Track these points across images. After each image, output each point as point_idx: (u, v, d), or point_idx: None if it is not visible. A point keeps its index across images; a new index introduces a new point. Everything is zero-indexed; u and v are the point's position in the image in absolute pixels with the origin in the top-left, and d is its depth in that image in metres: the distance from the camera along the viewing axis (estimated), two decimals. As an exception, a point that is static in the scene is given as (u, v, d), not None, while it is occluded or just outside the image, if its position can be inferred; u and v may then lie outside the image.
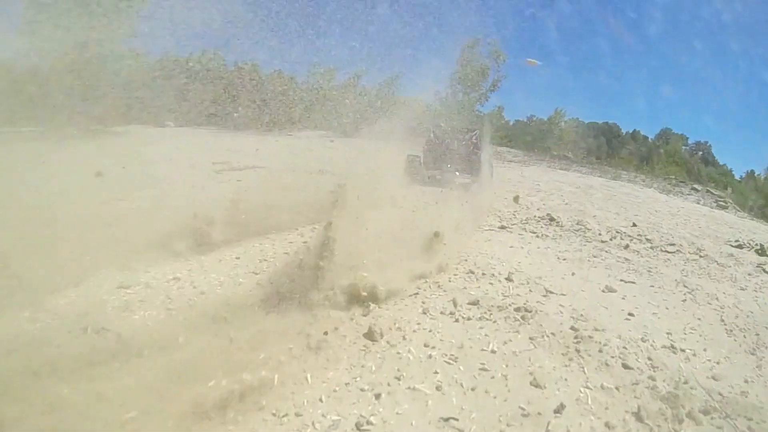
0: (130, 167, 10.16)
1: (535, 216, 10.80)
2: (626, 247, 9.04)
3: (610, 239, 9.49)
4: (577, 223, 10.47)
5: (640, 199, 16.95)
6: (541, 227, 9.89)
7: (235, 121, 48.42)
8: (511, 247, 8.02)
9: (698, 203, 19.75)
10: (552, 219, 10.61)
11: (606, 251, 8.45)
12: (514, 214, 10.78)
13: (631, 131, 73.37)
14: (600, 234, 9.84)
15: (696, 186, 24.16)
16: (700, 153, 47.96)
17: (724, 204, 20.11)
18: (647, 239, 9.82)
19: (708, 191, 22.90)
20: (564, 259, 7.57)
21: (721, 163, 44.05)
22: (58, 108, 26.92)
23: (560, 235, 9.32)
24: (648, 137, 59.50)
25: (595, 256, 8.00)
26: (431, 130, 12.70)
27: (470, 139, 11.85)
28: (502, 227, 9.53)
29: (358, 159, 11.27)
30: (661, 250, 8.96)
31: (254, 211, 7.31)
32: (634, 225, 11.18)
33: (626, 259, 7.99)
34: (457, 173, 11.90)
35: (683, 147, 47.69)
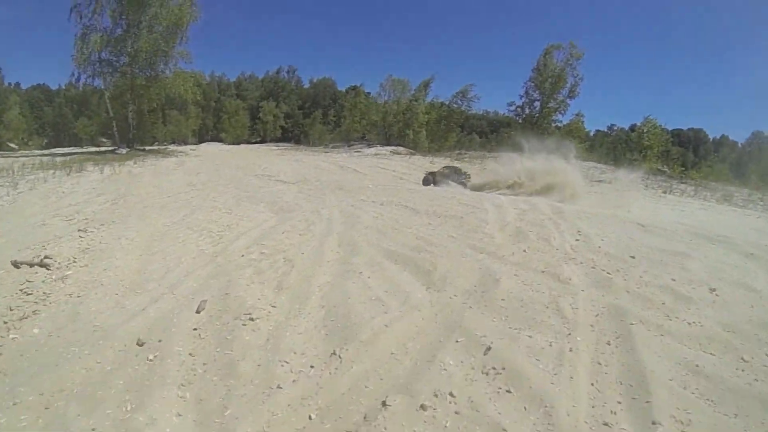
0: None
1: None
2: None
3: None
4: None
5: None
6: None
7: (308, 139, 45.43)
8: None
9: None
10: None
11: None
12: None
13: (719, 137, 61.07)
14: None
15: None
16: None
17: None
18: None
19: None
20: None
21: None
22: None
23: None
24: (738, 142, 49.02)
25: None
26: (445, 166, 15.03)
27: (460, 173, 13.68)
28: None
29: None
30: None
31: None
32: None
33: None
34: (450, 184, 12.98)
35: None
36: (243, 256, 4.94)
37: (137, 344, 3.38)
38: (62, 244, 6.16)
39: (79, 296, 4.46)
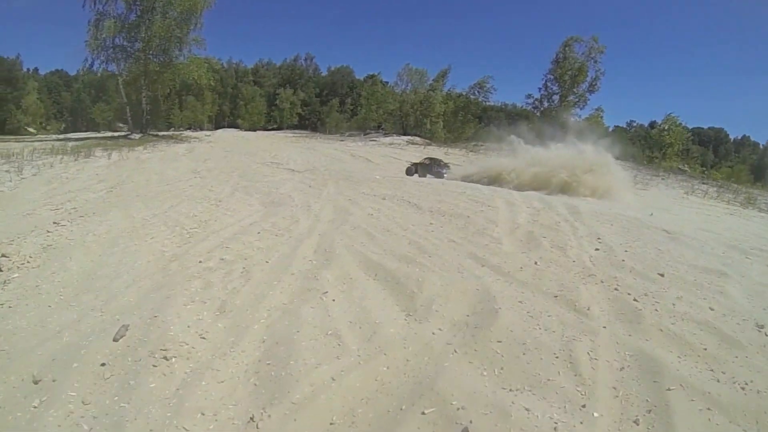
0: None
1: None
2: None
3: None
4: None
5: None
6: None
7: (324, 127, 44.56)
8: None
9: None
10: None
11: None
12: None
13: (740, 137, 58.56)
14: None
15: None
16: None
17: None
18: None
19: None
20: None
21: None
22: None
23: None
24: (759, 143, 46.99)
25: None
26: (426, 156, 15.93)
27: (441, 164, 13.91)
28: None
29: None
30: None
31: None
32: None
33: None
34: (429, 175, 13.14)
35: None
36: (200, 262, 4.14)
37: (33, 381, 2.62)
38: (28, 239, 5.52)
39: (10, 307, 3.74)
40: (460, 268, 4.07)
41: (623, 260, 4.75)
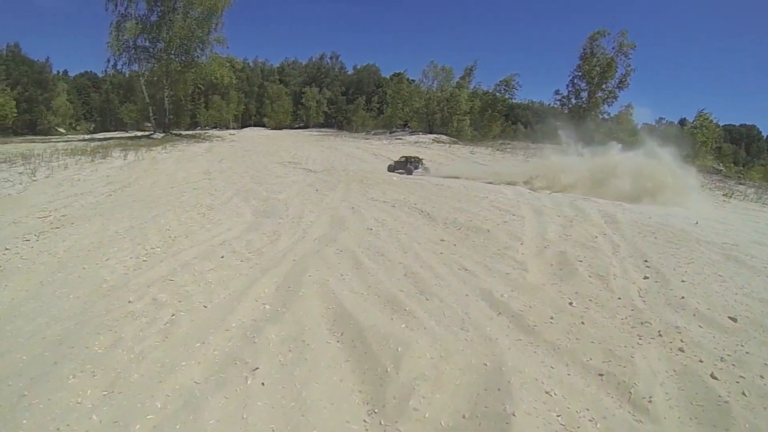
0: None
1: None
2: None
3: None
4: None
5: None
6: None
7: (350, 125, 43.67)
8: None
9: None
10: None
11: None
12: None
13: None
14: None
15: None
16: None
17: None
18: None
19: None
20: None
21: None
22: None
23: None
24: None
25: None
26: (402, 156, 15.17)
27: (415, 162, 14.35)
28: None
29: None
30: None
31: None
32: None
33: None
34: (401, 171, 13.77)
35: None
36: (130, 302, 3.14)
37: None
38: (-20, 260, 4.68)
39: None
40: (466, 321, 2.96)
41: (683, 297, 3.59)
